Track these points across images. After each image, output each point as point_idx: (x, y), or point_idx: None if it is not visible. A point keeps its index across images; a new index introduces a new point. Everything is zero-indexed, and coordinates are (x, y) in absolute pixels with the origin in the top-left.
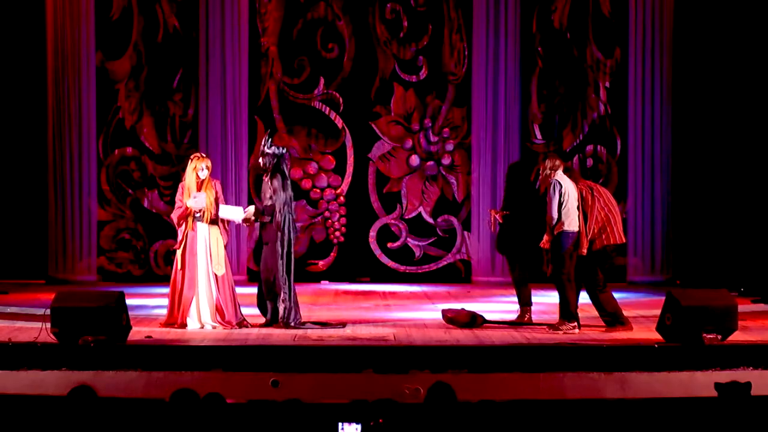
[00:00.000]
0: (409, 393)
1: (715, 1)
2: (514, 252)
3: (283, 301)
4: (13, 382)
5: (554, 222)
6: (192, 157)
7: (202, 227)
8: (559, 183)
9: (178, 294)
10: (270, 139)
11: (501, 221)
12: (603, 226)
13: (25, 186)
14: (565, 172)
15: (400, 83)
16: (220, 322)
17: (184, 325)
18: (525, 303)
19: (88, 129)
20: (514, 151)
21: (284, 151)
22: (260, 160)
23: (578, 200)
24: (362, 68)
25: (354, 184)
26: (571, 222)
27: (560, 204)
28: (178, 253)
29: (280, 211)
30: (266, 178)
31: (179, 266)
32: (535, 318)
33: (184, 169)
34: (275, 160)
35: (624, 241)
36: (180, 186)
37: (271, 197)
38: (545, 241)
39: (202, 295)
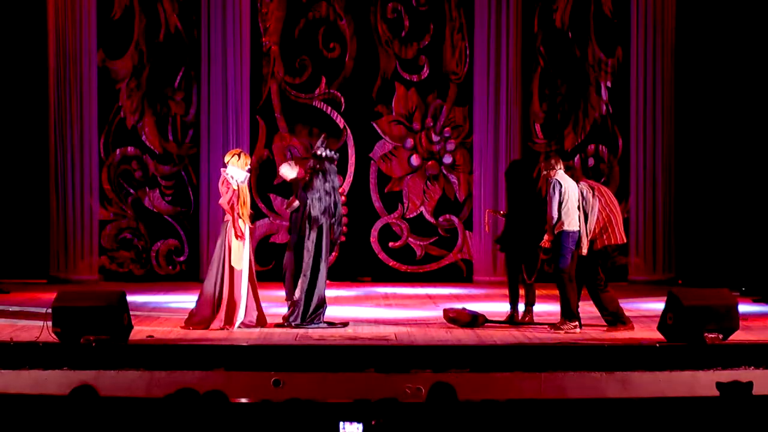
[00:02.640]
0: (410, 392)
1: (716, 0)
2: (517, 252)
3: (293, 299)
4: (14, 381)
5: (554, 221)
6: (238, 152)
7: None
8: (559, 183)
9: (234, 293)
10: (322, 142)
11: (502, 217)
12: (604, 226)
13: (26, 185)
14: (566, 171)
15: (402, 83)
16: (257, 320)
17: (231, 325)
18: (529, 303)
19: (89, 128)
20: (516, 150)
21: (332, 155)
22: (310, 161)
23: (579, 200)
24: (364, 68)
25: (355, 184)
26: (571, 222)
27: (560, 203)
28: (243, 249)
29: (307, 206)
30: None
31: (242, 263)
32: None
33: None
34: (318, 162)
35: (625, 241)
36: (225, 182)
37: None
38: (546, 240)
39: (247, 294)
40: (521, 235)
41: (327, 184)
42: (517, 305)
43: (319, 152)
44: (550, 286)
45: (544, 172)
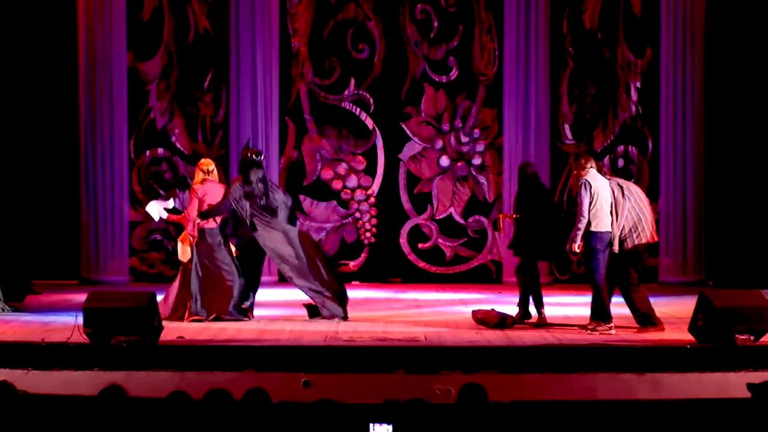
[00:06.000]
0: (440, 393)
1: (746, 0)
2: (531, 254)
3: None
4: (46, 382)
5: (583, 222)
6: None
7: None
8: (589, 182)
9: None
10: (246, 145)
11: (512, 222)
12: (634, 225)
13: (57, 187)
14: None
15: (431, 84)
16: None
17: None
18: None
19: (119, 130)
20: (545, 151)
21: (254, 159)
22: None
23: (611, 199)
24: (393, 69)
25: (385, 185)
26: (599, 222)
27: (590, 204)
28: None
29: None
30: None
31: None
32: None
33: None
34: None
35: (656, 239)
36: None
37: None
38: (579, 244)
39: None
40: (539, 236)
41: (242, 188)
42: (542, 306)
43: (247, 156)
44: (576, 287)
45: (575, 172)
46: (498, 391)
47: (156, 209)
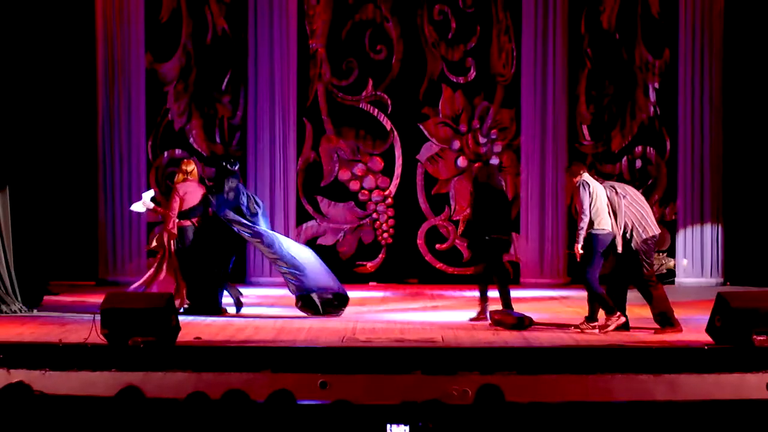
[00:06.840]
0: (457, 394)
1: (764, 1)
2: (483, 251)
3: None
4: (63, 383)
5: (585, 221)
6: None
7: None
8: (587, 182)
9: None
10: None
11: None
12: (638, 221)
13: (75, 188)
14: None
15: (449, 84)
16: None
17: None
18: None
19: (137, 131)
20: (563, 152)
21: (230, 168)
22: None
23: (608, 200)
24: (410, 70)
25: (402, 186)
26: (601, 221)
27: (590, 203)
28: None
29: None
30: None
31: None
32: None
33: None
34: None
35: (659, 231)
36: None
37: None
38: (577, 249)
39: None
40: (482, 236)
41: (230, 194)
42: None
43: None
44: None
45: (571, 178)
46: (515, 392)
47: (139, 204)
